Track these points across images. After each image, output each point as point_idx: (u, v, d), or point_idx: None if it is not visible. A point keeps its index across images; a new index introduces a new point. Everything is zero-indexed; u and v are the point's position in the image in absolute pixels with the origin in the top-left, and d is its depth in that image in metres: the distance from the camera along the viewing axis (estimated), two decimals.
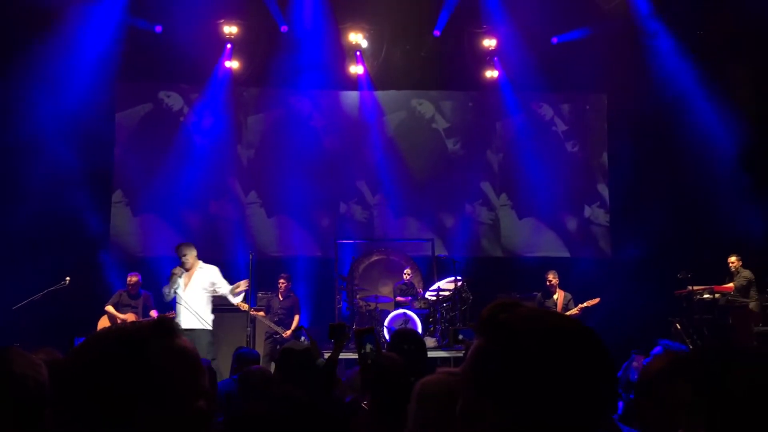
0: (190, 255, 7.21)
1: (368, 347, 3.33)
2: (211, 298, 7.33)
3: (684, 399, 2.04)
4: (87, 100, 9.50)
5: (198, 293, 7.19)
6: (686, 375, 1.51)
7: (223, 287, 7.32)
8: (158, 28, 9.95)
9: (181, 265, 7.15)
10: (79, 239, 9.61)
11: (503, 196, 11.15)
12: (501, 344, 1.09)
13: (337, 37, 10.52)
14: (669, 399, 2.03)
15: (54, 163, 9.38)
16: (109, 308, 8.59)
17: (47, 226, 9.04)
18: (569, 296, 8.89)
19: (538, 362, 1.05)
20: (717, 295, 8.76)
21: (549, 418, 1.05)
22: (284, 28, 10.31)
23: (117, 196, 10.52)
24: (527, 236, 11.01)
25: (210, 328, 7.20)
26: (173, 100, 10.71)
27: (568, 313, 8.16)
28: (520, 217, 11.11)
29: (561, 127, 11.33)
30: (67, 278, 7.92)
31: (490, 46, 10.68)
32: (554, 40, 10.51)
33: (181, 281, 7.13)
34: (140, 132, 10.61)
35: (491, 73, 10.88)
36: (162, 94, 10.69)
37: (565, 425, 1.05)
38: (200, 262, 7.31)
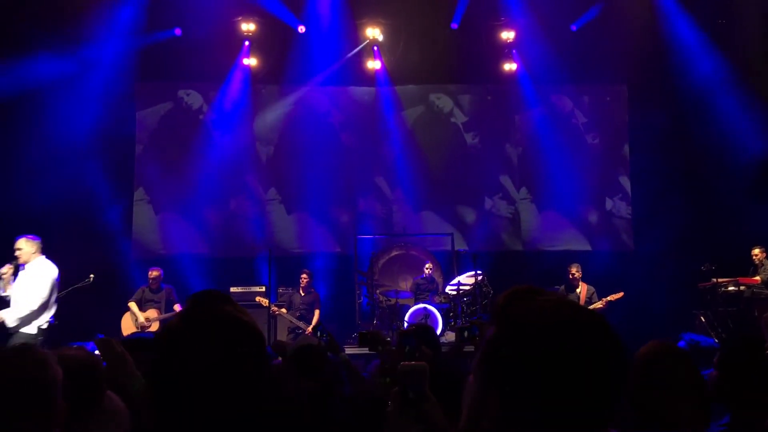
0: (26, 249, 6.19)
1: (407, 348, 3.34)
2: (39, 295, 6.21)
3: (677, 381, 2.04)
4: (108, 99, 9.61)
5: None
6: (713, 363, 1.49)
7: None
8: (177, 31, 10.03)
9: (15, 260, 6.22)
10: (103, 237, 9.73)
11: (523, 189, 11.09)
12: (511, 335, 1.07)
13: (354, 32, 10.51)
14: (663, 382, 2.03)
15: (77, 162, 9.49)
16: (132, 305, 8.69)
17: (71, 224, 9.14)
18: (592, 289, 8.82)
19: (548, 355, 1.02)
20: (742, 288, 8.63)
21: (557, 414, 1.02)
22: (301, 27, 10.33)
23: (139, 194, 10.63)
24: (548, 230, 10.93)
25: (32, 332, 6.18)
26: (192, 99, 10.78)
27: (591, 306, 8.08)
28: (541, 211, 11.04)
29: (581, 119, 11.23)
30: (91, 275, 8.00)
31: (509, 39, 10.61)
32: (574, 27, 10.40)
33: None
34: (160, 130, 10.70)
35: (510, 66, 10.80)
36: (182, 93, 10.76)
37: (574, 421, 1.02)
38: (41, 258, 6.32)
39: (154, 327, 8.57)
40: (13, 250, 6.19)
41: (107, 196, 9.94)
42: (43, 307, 6.18)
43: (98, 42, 9.40)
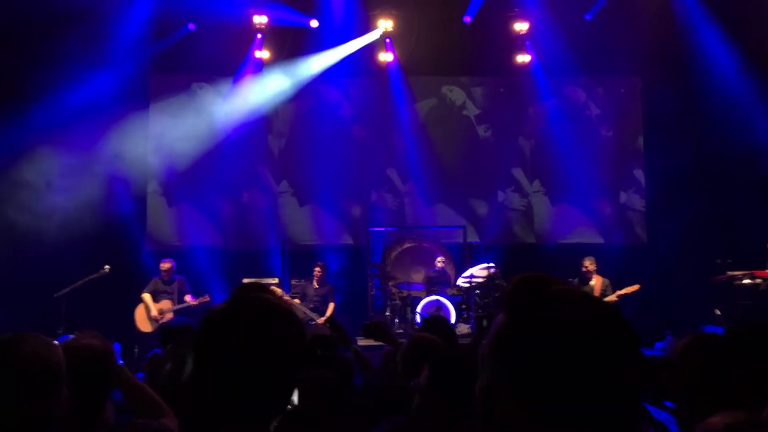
0: None
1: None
2: None
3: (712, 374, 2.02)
4: (122, 92, 9.66)
5: None
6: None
7: None
8: (191, 26, 10.07)
9: None
10: (117, 229, 9.81)
11: (536, 182, 11.04)
12: (520, 323, 1.06)
13: (367, 24, 10.49)
14: (697, 374, 2.01)
15: (91, 153, 9.56)
16: (145, 296, 8.75)
17: (86, 216, 9.20)
18: (607, 282, 8.77)
19: (558, 344, 1.01)
20: (758, 280, 8.55)
21: (567, 404, 1.00)
22: (314, 21, 10.33)
23: (152, 186, 10.67)
24: (560, 223, 10.89)
25: None
26: (206, 93, 10.79)
27: (605, 299, 8.05)
28: (553, 204, 10.99)
29: (594, 111, 11.15)
30: (107, 266, 8.07)
31: (522, 30, 10.55)
32: (587, 16, 10.31)
33: None
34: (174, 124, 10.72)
35: (523, 58, 10.74)
36: (195, 86, 10.77)
37: (585, 412, 1.00)
38: None
39: (168, 317, 8.63)
40: None
41: (122, 189, 10.02)
42: None
43: (112, 36, 9.45)
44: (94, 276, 7.99)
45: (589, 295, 1.10)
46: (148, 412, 2.29)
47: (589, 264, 8.86)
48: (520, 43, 10.70)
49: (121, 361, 2.42)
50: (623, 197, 11.03)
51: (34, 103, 8.84)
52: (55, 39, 8.82)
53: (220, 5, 9.72)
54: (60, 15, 8.66)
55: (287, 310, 1.31)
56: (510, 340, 1.05)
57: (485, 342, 1.16)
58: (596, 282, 8.78)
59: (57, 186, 9.20)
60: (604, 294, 8.57)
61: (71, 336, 3.27)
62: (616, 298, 8.38)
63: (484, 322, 3.98)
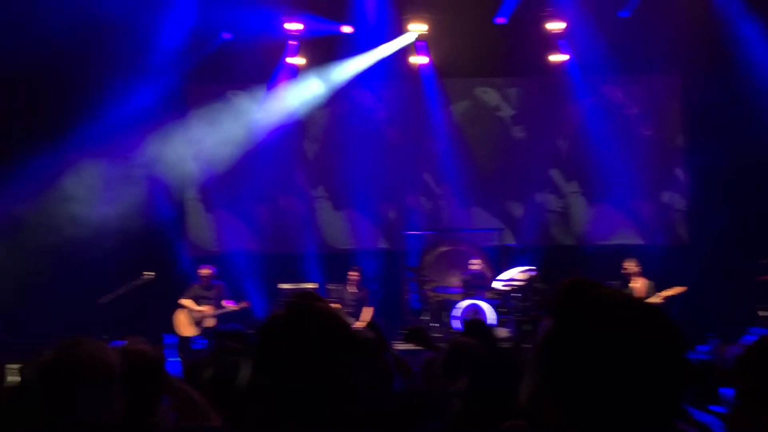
0: None
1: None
2: None
3: None
4: (162, 102, 9.87)
5: None
6: None
7: None
8: (227, 35, 10.23)
9: None
10: (159, 236, 10.02)
11: (573, 183, 10.90)
12: (568, 327, 1.06)
13: (400, 28, 10.51)
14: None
15: (132, 163, 9.79)
16: (185, 301, 8.88)
17: (129, 224, 9.41)
18: (651, 284, 8.60)
19: (606, 348, 1.01)
20: None
21: (615, 407, 1.00)
22: (347, 28, 10.39)
23: (191, 193, 10.86)
24: (599, 224, 10.72)
25: None
26: (242, 100, 10.93)
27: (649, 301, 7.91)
28: (592, 205, 10.83)
29: (633, 110, 10.95)
30: (150, 273, 8.23)
31: (557, 30, 10.43)
32: (624, 14, 10.15)
33: None
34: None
35: (558, 57, 10.62)
36: (231, 93, 10.92)
37: (632, 415, 1.00)
38: None
39: (209, 323, 8.75)
40: None
41: (161, 196, 10.23)
42: None
43: (152, 46, 9.66)
44: (137, 282, 8.16)
45: (635, 299, 1.11)
46: (194, 416, 2.33)
47: (631, 266, 8.70)
48: (554, 42, 10.58)
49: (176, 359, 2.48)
50: (664, 197, 10.81)
51: (78, 117, 9.06)
52: (97, 53, 9.04)
53: (254, 14, 9.84)
54: (101, 29, 8.85)
55: (340, 318, 1.38)
56: (557, 344, 1.06)
57: (533, 346, 1.18)
58: (639, 284, 8.61)
59: (101, 196, 9.42)
60: (647, 296, 8.41)
61: (120, 342, 3.35)
62: (660, 300, 8.22)
63: (527, 327, 3.94)
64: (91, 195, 9.40)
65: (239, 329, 4.78)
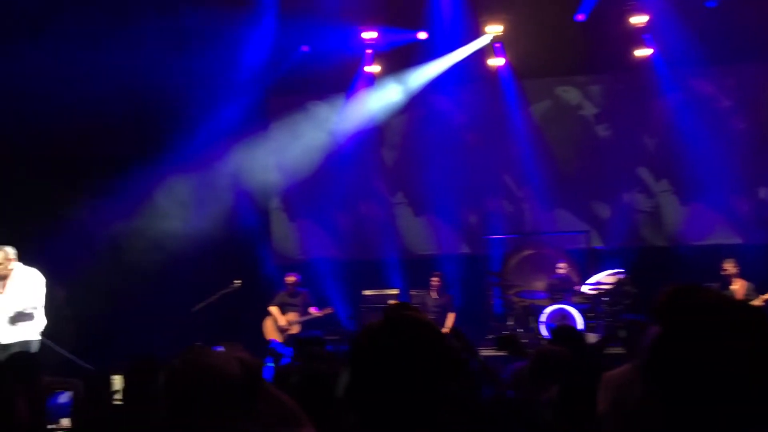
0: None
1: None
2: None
3: None
4: (245, 115, 10.20)
5: None
6: None
7: None
8: (305, 48, 10.46)
9: None
10: (245, 245, 10.34)
11: (663, 181, 10.44)
12: (676, 334, 1.05)
13: (476, 30, 10.42)
14: None
15: (219, 175, 10.16)
16: (272, 309, 9.10)
17: (217, 235, 9.76)
18: (752, 286, 8.13)
19: (715, 353, 1.00)
20: None
21: (724, 411, 0.98)
22: (422, 34, 10.41)
23: (274, 202, 11.14)
24: (693, 223, 10.21)
25: None
26: (321, 110, 11.13)
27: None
28: (684, 203, 10.33)
29: (725, 103, 10.40)
30: (238, 281, 8.49)
31: (640, 24, 10.07)
32: (710, 4, 9.67)
33: None
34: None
35: (642, 52, 10.24)
36: (310, 104, 11.14)
37: (741, 419, 0.98)
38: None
39: (295, 329, 8.92)
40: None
41: (247, 206, 10.57)
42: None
43: (235, 61, 10.01)
44: (226, 290, 8.42)
45: (744, 303, 1.10)
46: (288, 422, 2.36)
47: (729, 267, 8.25)
48: (638, 36, 10.21)
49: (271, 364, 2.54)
50: (762, 193, 10.19)
51: (170, 135, 9.47)
52: (187, 74, 9.41)
53: (330, 26, 10.01)
54: (187, 48, 9.24)
55: (435, 327, 1.39)
56: (667, 352, 1.06)
57: (627, 350, 1.18)
58: (739, 286, 8.15)
59: (191, 209, 9.82)
60: (748, 298, 7.94)
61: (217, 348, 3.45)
62: (761, 303, 7.74)
63: (622, 333, 3.80)
64: (182, 209, 9.80)
65: (320, 336, 4.85)
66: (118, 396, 2.78)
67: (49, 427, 2.75)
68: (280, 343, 8.78)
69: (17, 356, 4.20)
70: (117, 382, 2.83)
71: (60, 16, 8.19)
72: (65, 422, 2.79)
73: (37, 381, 3.24)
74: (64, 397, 2.83)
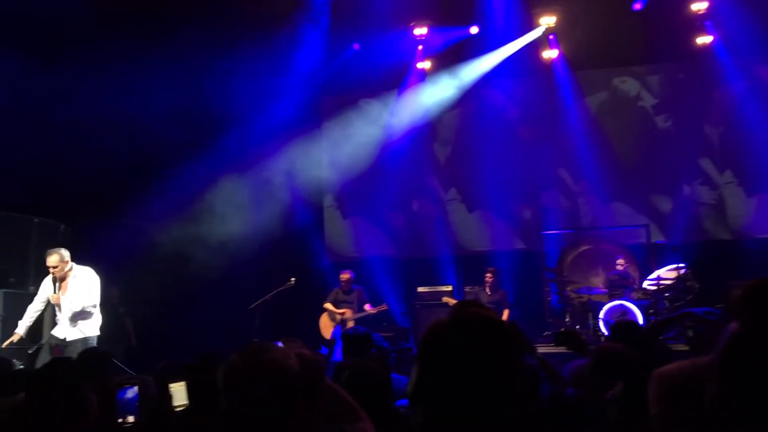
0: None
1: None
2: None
3: None
4: (298, 115, 10.32)
5: None
6: None
7: None
8: (356, 46, 10.52)
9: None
10: (300, 243, 10.48)
11: (727, 172, 10.07)
12: (757, 329, 1.04)
13: (529, 23, 10.27)
14: None
15: (272, 175, 10.32)
16: (328, 305, 9.18)
17: (272, 233, 9.91)
18: None
19: None
20: None
21: None
22: (474, 28, 10.32)
23: (328, 200, 11.25)
24: (760, 215, 9.81)
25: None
26: (373, 108, 11.16)
27: None
28: (750, 195, 9.94)
29: None
30: (293, 279, 8.60)
31: (700, 10, 9.75)
32: None
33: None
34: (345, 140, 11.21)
35: (703, 40, 9.90)
36: (362, 102, 11.19)
37: None
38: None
39: (349, 326, 8.97)
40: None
41: (301, 205, 10.70)
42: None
43: (288, 61, 10.14)
44: (282, 288, 8.55)
45: None
46: (346, 417, 2.38)
47: None
48: (699, 24, 9.89)
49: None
50: None
51: (221, 134, 9.67)
52: (235, 75, 9.58)
53: (381, 23, 10.02)
54: (239, 48, 9.39)
55: (502, 323, 1.39)
56: (748, 349, 1.05)
57: (715, 351, 1.14)
58: None
59: (247, 209, 9.99)
60: None
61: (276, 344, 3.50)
62: None
63: (690, 333, 3.68)
64: (239, 210, 9.99)
65: (368, 333, 4.86)
66: (180, 394, 2.84)
67: (119, 421, 2.83)
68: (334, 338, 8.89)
69: (88, 353, 4.36)
70: (176, 383, 2.89)
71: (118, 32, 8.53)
72: (131, 419, 2.87)
73: (107, 377, 3.36)
74: (130, 393, 2.90)
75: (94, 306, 6.25)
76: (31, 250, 6.48)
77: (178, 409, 2.86)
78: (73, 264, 6.25)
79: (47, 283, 6.27)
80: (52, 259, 6.10)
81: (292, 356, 1.92)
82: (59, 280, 6.19)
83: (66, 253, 6.19)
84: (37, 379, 2.33)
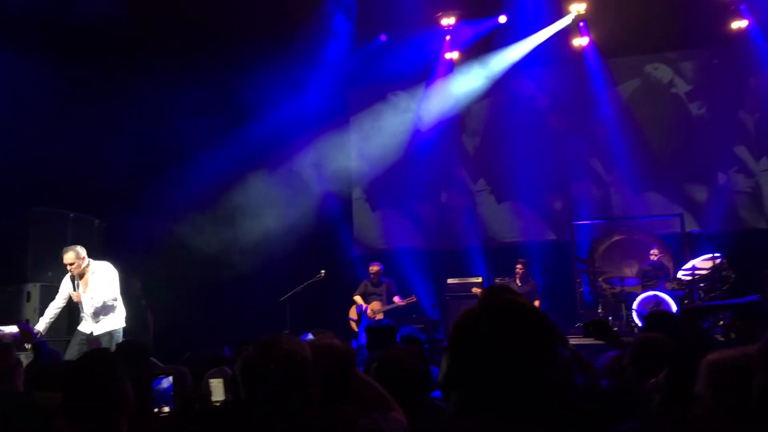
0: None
1: None
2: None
3: None
4: (325, 108, 10.33)
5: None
6: None
7: None
8: (383, 37, 10.48)
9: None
10: (328, 236, 10.50)
11: (763, 160, 9.82)
12: None
13: (558, 10, 10.11)
14: None
15: (300, 168, 10.37)
16: (357, 297, 9.20)
17: (301, 226, 9.96)
18: None
19: None
20: None
21: None
22: (503, 17, 10.20)
23: (357, 192, 11.25)
24: None
25: None
26: (401, 99, 11.12)
27: None
28: None
29: None
30: (323, 271, 8.65)
31: None
32: None
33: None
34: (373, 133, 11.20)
35: (739, 24, 9.65)
36: (390, 94, 11.15)
37: None
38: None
39: (378, 318, 8.98)
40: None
41: (329, 198, 10.73)
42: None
43: (315, 53, 10.14)
44: (312, 280, 8.60)
45: None
46: (378, 406, 2.38)
47: None
48: (733, 8, 9.66)
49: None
50: None
51: (250, 128, 9.72)
52: (262, 68, 9.62)
53: (408, 14, 9.95)
54: (265, 43, 9.43)
55: (535, 310, 1.37)
56: None
57: (763, 340, 1.12)
58: None
59: (274, 202, 10.06)
60: None
61: (306, 335, 3.53)
62: None
63: (732, 335, 3.62)
64: (266, 202, 10.06)
65: (391, 324, 4.85)
66: (218, 390, 2.88)
67: (155, 410, 2.88)
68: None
69: (127, 344, 4.44)
70: (215, 379, 2.93)
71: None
72: (166, 408, 2.92)
73: (145, 367, 3.41)
74: (165, 383, 2.95)
75: (115, 299, 6.25)
76: (67, 245, 6.60)
77: (216, 404, 2.90)
78: (90, 260, 6.25)
79: (67, 281, 6.28)
80: (68, 257, 6.09)
81: (305, 346, 1.94)
82: (78, 277, 6.20)
83: (82, 250, 6.17)
84: (77, 370, 2.38)
